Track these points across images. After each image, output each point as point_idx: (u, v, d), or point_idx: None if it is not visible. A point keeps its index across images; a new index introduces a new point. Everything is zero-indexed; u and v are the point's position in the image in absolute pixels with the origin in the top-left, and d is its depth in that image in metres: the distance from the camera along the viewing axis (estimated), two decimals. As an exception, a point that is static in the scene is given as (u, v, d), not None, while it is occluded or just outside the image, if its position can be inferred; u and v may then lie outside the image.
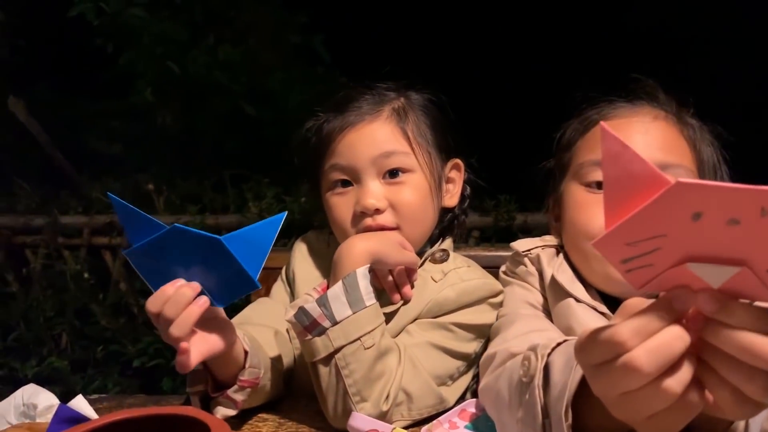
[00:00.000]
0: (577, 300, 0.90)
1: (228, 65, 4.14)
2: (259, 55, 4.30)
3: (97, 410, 0.90)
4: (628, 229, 0.44)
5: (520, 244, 1.03)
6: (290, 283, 1.11)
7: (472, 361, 1.01)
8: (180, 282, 0.78)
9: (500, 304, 1.01)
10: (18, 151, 3.82)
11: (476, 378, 1.02)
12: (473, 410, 0.89)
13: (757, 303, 0.46)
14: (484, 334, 1.00)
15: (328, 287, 0.92)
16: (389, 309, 0.99)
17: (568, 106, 1.02)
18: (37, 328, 2.81)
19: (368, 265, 0.91)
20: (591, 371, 0.50)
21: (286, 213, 0.79)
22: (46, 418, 0.90)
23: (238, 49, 4.20)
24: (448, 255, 1.06)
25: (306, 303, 0.88)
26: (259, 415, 0.95)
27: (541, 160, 1.08)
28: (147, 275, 0.80)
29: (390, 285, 1.00)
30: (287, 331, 1.03)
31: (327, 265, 1.00)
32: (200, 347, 0.80)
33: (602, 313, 0.88)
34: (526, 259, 1.01)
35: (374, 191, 1.00)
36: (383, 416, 0.87)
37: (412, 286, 1.01)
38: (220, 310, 0.84)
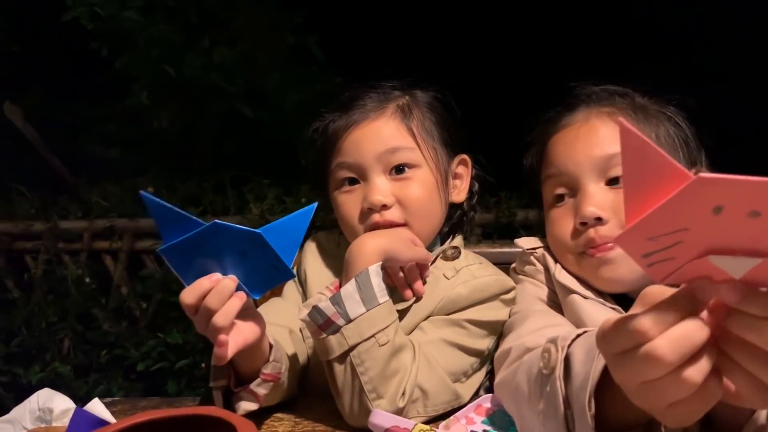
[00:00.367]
0: (584, 296, 0.91)
1: (224, 67, 4.13)
2: (254, 57, 4.30)
3: (111, 413, 0.91)
4: (649, 224, 0.44)
5: (525, 242, 1.04)
6: (302, 283, 1.12)
7: (485, 358, 1.01)
8: (216, 276, 0.80)
9: (512, 301, 1.02)
10: (15, 157, 3.81)
11: (489, 374, 1.03)
12: (489, 405, 0.89)
13: None
14: (497, 330, 1.01)
15: (340, 286, 0.92)
16: (401, 306, 1.00)
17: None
18: (40, 334, 2.80)
19: (380, 263, 0.92)
20: (613, 360, 0.51)
21: (317, 204, 0.80)
22: (63, 422, 0.90)
23: (234, 51, 4.20)
24: (460, 252, 1.06)
25: (320, 302, 0.88)
26: (275, 414, 0.96)
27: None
28: (180, 270, 0.82)
29: (401, 282, 1.00)
30: (300, 330, 1.03)
31: (338, 264, 1.00)
32: (236, 339, 0.81)
33: (612, 308, 0.90)
34: (532, 258, 1.02)
35: (381, 187, 1.01)
36: (399, 413, 0.87)
37: (424, 282, 1.02)
38: (251, 302, 0.85)
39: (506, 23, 4.16)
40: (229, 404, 0.90)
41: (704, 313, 0.49)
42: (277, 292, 1.14)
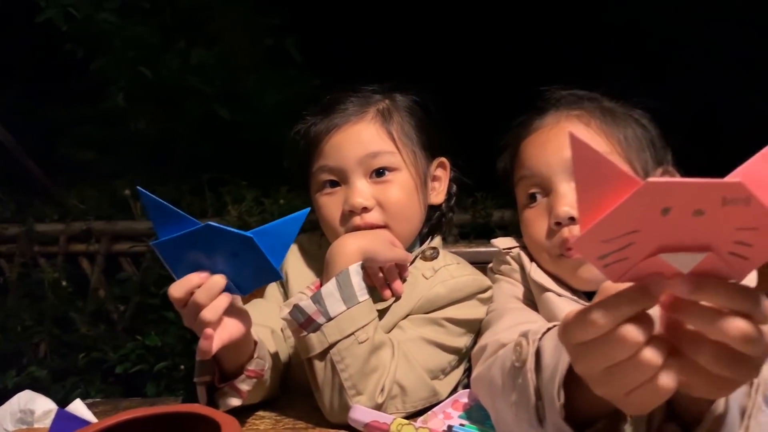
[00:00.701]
0: (559, 294, 0.94)
1: (201, 68, 4.12)
2: (232, 58, 4.29)
3: (93, 414, 0.92)
4: (603, 228, 0.47)
5: (501, 242, 1.07)
6: (284, 284, 1.13)
7: (463, 356, 1.04)
8: (206, 273, 0.81)
9: (489, 300, 1.04)
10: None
11: (467, 372, 1.06)
12: (466, 400, 0.92)
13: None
14: (475, 328, 1.03)
15: (321, 285, 0.94)
16: (382, 306, 1.02)
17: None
18: (15, 338, 2.77)
19: (360, 263, 0.94)
20: (574, 351, 0.53)
21: (309, 209, 0.82)
22: (44, 424, 0.91)
23: (211, 52, 4.19)
24: (438, 252, 1.09)
25: (300, 301, 0.90)
26: (257, 413, 0.97)
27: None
28: (172, 264, 0.83)
29: (380, 282, 1.02)
30: (282, 330, 1.05)
31: (319, 265, 1.02)
32: (221, 334, 0.83)
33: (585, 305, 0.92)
34: (508, 257, 1.05)
35: (361, 190, 1.03)
36: (378, 408, 0.89)
37: (404, 282, 1.04)
38: (238, 299, 0.87)
39: (483, 29, 4.20)
40: (213, 400, 0.91)
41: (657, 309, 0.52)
42: (260, 294, 1.16)
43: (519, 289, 1.02)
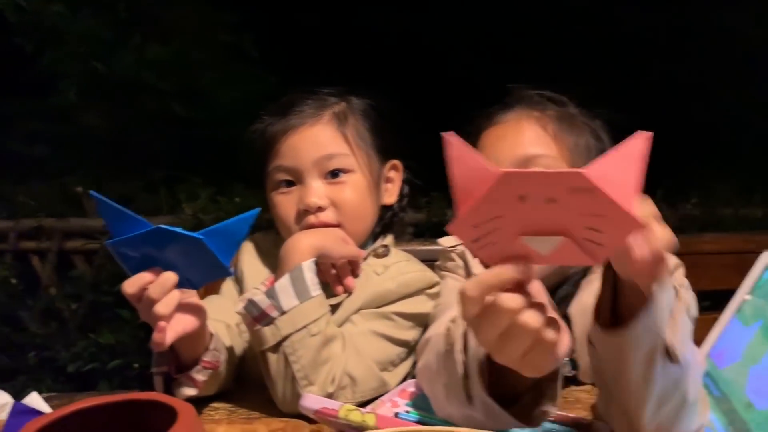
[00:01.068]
0: None
1: (156, 64, 4.09)
2: (188, 54, 4.26)
3: (50, 408, 0.93)
4: (471, 214, 0.52)
5: (446, 241, 1.12)
6: (239, 281, 1.16)
7: (411, 348, 1.08)
8: (158, 270, 0.84)
9: (437, 295, 1.09)
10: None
11: (416, 364, 1.10)
12: (413, 389, 0.97)
13: None
14: (423, 322, 1.08)
15: (275, 281, 0.97)
16: (335, 301, 1.06)
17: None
18: (-37, 337, 2.72)
19: (313, 259, 0.98)
20: (471, 324, 0.60)
21: (259, 209, 0.86)
22: (1, 416, 0.92)
23: (167, 49, 4.16)
24: (389, 250, 1.13)
25: (255, 296, 0.94)
26: (211, 404, 1.00)
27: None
28: (126, 262, 0.86)
29: (333, 278, 1.06)
30: (237, 325, 1.08)
31: (274, 263, 1.05)
32: (176, 327, 0.86)
33: None
34: (453, 254, 1.10)
35: (317, 190, 1.07)
36: (329, 398, 0.93)
37: (356, 277, 1.08)
38: (194, 293, 0.90)
39: (437, 34, 4.26)
40: (169, 390, 0.94)
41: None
42: (215, 290, 1.18)
43: (462, 285, 1.07)
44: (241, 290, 1.15)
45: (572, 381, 1.02)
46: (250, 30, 4.27)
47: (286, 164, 1.08)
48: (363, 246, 1.14)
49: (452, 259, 1.10)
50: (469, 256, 1.08)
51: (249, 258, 1.18)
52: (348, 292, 1.08)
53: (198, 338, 0.93)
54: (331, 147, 1.08)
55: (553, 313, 0.58)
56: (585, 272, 1.03)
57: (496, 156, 1.00)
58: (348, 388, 0.96)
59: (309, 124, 1.09)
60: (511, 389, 0.71)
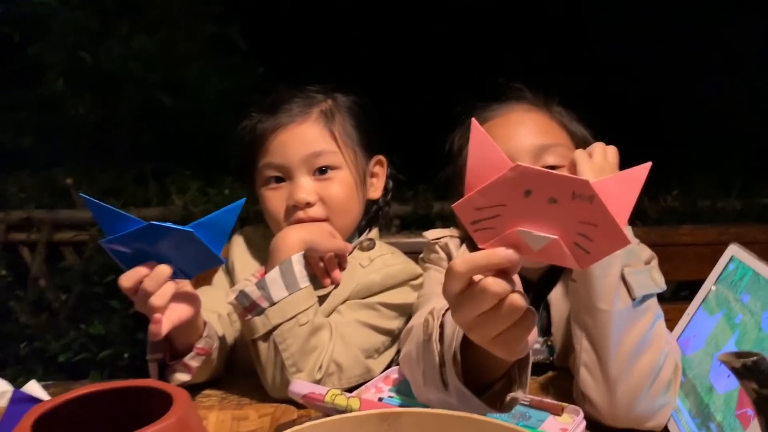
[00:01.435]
0: None
1: (143, 55, 4.08)
2: (174, 45, 4.25)
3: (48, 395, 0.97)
4: (478, 198, 0.57)
5: (431, 234, 1.16)
6: (230, 273, 1.20)
7: (395, 337, 1.13)
8: (153, 263, 0.88)
9: (420, 286, 1.14)
10: None
11: (399, 352, 1.15)
12: (396, 376, 1.02)
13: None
14: (406, 312, 1.13)
15: (265, 273, 1.02)
16: (322, 292, 1.10)
17: (454, 115, 1.17)
18: (-47, 328, 2.74)
19: (302, 252, 1.02)
20: (452, 302, 0.64)
21: (245, 199, 0.89)
22: (1, 403, 0.96)
23: (153, 39, 4.15)
24: (374, 243, 1.18)
25: (246, 287, 0.98)
26: (204, 391, 1.04)
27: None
28: (121, 258, 0.90)
29: (321, 270, 1.11)
30: (228, 315, 1.12)
31: (263, 255, 1.09)
32: (171, 316, 0.90)
33: None
34: (436, 246, 1.14)
35: (305, 187, 1.11)
36: (317, 384, 0.98)
37: (342, 270, 1.12)
38: (188, 283, 0.95)
39: (420, 32, 4.29)
40: (163, 377, 0.98)
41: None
42: (207, 281, 1.22)
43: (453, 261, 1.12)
44: (232, 282, 1.19)
45: (549, 366, 1.08)
46: (237, 21, 4.27)
47: (276, 161, 1.12)
48: (349, 239, 1.18)
49: (436, 252, 1.14)
50: (452, 248, 1.12)
51: (239, 250, 1.22)
52: (335, 284, 1.12)
53: (192, 326, 0.97)
54: (318, 144, 1.12)
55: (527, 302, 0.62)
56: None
57: (508, 146, 1.04)
58: (335, 375, 1.01)
59: (297, 122, 1.13)
60: (484, 377, 0.76)
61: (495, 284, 0.59)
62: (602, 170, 0.90)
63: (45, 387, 1.08)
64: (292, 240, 1.04)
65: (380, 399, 0.93)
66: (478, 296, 0.60)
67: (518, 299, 0.60)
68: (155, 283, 0.87)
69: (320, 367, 0.99)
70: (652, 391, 0.83)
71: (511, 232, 0.58)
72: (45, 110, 4.17)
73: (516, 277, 0.62)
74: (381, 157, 1.23)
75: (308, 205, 1.10)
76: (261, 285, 0.98)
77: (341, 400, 0.82)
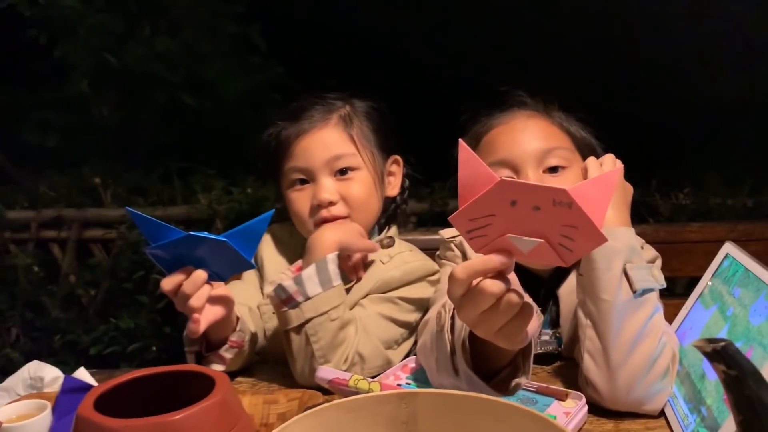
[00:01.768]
0: None
1: (165, 56, 4.17)
2: (196, 46, 4.34)
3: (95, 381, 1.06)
4: (470, 209, 0.65)
5: (446, 232, 1.24)
6: (259, 268, 1.29)
7: (413, 329, 1.21)
8: (190, 268, 0.97)
9: (437, 282, 1.22)
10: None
11: (417, 343, 1.23)
12: (413, 365, 1.10)
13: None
14: (423, 306, 1.20)
15: (300, 268, 1.10)
16: (346, 286, 1.18)
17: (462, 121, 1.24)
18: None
19: (337, 252, 1.10)
20: (456, 303, 0.72)
21: (274, 211, 0.98)
22: (53, 389, 1.05)
23: (176, 40, 4.24)
24: (394, 241, 1.26)
25: (283, 281, 1.06)
26: (236, 379, 1.13)
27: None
28: (162, 263, 0.99)
29: (349, 268, 1.19)
30: (258, 308, 1.21)
31: (290, 251, 1.19)
32: (207, 316, 1.00)
33: None
34: (452, 244, 1.21)
35: (327, 187, 1.19)
36: (341, 372, 1.06)
37: (366, 266, 1.21)
38: (222, 285, 1.03)
39: (440, 35, 4.34)
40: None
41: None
42: (238, 276, 1.31)
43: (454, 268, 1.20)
44: (261, 277, 1.28)
45: (557, 357, 1.15)
46: (257, 21, 4.35)
47: (300, 165, 1.21)
48: (370, 236, 1.26)
49: (451, 249, 1.21)
50: (466, 246, 1.19)
51: (267, 247, 1.30)
52: (358, 279, 1.20)
53: (226, 323, 1.06)
54: (339, 148, 1.20)
55: (526, 297, 0.70)
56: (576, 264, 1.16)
57: (513, 153, 1.11)
58: (357, 366, 1.09)
59: (318, 127, 1.22)
60: (491, 365, 0.84)
61: (492, 285, 0.67)
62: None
63: (92, 374, 1.18)
64: (327, 240, 1.12)
65: (398, 385, 1.01)
66: (478, 297, 0.68)
67: (514, 297, 0.68)
68: (193, 287, 0.96)
69: (346, 359, 1.07)
70: (649, 377, 0.90)
71: (502, 238, 0.66)
72: (70, 110, 4.28)
73: (513, 277, 0.69)
74: (397, 157, 1.31)
75: (331, 203, 1.19)
76: (298, 281, 1.06)
77: (363, 384, 0.90)
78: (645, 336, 0.91)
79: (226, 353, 1.07)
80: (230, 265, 0.99)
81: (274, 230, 1.33)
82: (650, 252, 1.11)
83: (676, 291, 1.83)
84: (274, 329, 1.18)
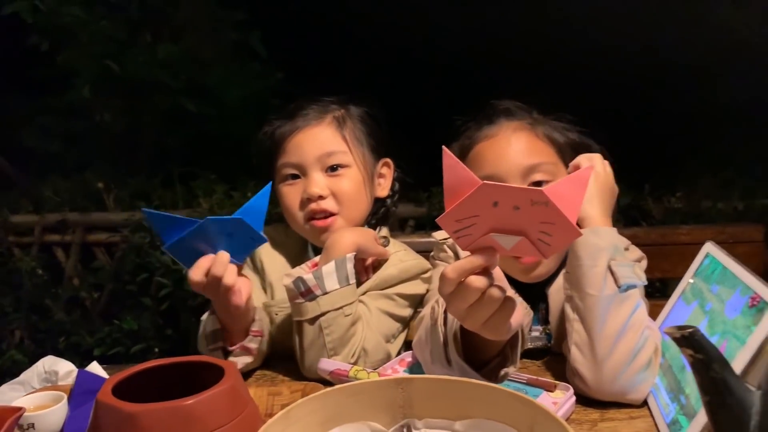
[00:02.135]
0: None
1: (167, 62, 4.22)
2: (197, 52, 4.39)
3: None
4: (456, 211, 0.70)
5: (439, 234, 1.29)
6: (258, 269, 1.34)
7: (407, 324, 1.27)
8: (211, 255, 1.03)
9: (429, 279, 1.27)
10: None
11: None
12: (410, 359, 1.15)
13: None
14: (417, 302, 1.27)
15: (316, 265, 1.15)
16: None
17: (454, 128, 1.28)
18: (-6, 325, 2.90)
19: (354, 253, 1.16)
20: (446, 299, 0.79)
21: (271, 182, 1.05)
22: (67, 382, 1.10)
23: (177, 47, 4.29)
24: (389, 241, 1.31)
25: (303, 274, 1.12)
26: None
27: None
28: (182, 258, 1.04)
29: (361, 269, 1.24)
30: (264, 306, 1.26)
31: (288, 250, 1.26)
32: (243, 288, 1.06)
33: None
34: (444, 246, 1.27)
35: (318, 182, 1.25)
36: (346, 366, 1.11)
37: (374, 272, 1.27)
38: (240, 267, 1.08)
39: (442, 44, 4.38)
40: None
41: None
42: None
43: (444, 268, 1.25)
44: (261, 278, 1.33)
45: (547, 352, 1.20)
46: (258, 28, 4.40)
47: (292, 160, 1.26)
48: None
49: (444, 250, 1.27)
50: (458, 247, 1.25)
51: (266, 249, 1.35)
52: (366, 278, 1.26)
53: (246, 311, 1.11)
54: (331, 145, 1.26)
55: (510, 291, 0.76)
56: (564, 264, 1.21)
57: (498, 169, 1.15)
58: (361, 359, 1.14)
59: (312, 125, 1.27)
60: (481, 355, 0.90)
61: (477, 281, 0.74)
62: (605, 179, 1.08)
63: (104, 369, 1.23)
64: (346, 241, 1.17)
65: (396, 377, 1.06)
66: (465, 291, 0.75)
67: (496, 291, 0.75)
68: (222, 267, 1.02)
69: (353, 354, 1.12)
70: (632, 368, 0.95)
71: (486, 236, 0.72)
72: (73, 116, 4.32)
73: (498, 273, 0.76)
74: (388, 160, 1.36)
75: (321, 198, 1.24)
76: (317, 275, 1.11)
77: (363, 374, 0.95)
78: (628, 329, 0.96)
79: (251, 344, 1.13)
80: (245, 245, 1.04)
81: (269, 232, 1.37)
82: (636, 252, 1.16)
83: (667, 293, 1.87)
84: (278, 326, 1.23)
